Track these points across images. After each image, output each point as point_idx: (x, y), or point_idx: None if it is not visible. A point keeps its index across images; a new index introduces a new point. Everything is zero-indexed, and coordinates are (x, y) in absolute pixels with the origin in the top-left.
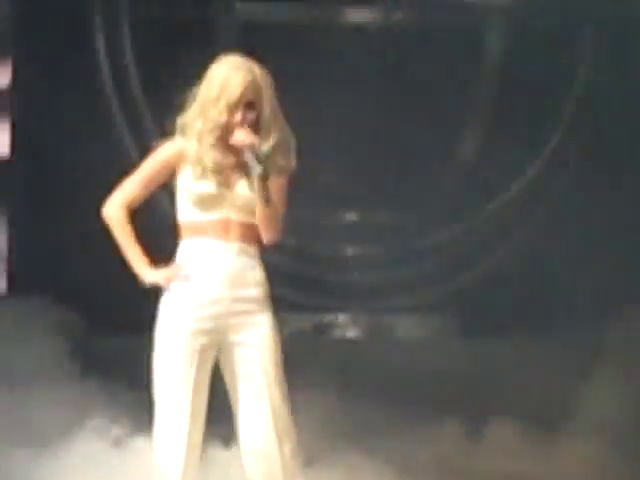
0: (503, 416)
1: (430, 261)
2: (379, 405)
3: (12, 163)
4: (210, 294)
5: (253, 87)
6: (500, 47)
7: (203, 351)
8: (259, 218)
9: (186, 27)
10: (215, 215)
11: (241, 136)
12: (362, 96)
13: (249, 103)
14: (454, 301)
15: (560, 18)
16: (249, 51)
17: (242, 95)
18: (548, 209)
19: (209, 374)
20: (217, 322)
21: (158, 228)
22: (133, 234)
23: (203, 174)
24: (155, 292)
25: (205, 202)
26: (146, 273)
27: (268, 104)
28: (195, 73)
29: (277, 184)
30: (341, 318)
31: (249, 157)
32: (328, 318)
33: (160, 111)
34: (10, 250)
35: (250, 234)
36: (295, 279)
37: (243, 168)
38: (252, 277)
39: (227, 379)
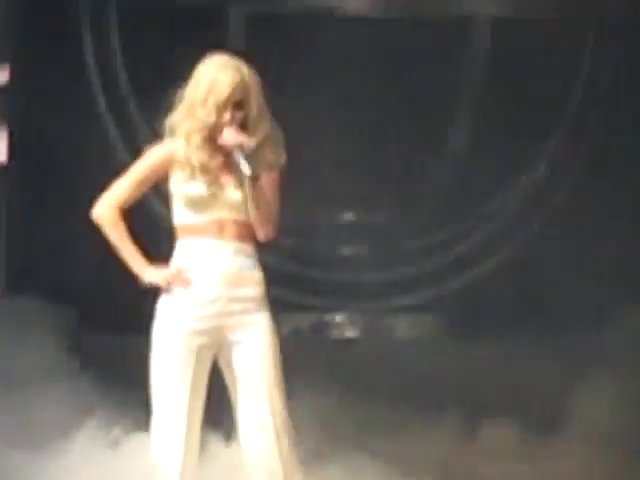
0: (500, 417)
1: (427, 261)
2: (377, 404)
3: (9, 169)
4: (207, 294)
5: (241, 86)
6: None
7: (200, 350)
8: (252, 217)
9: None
10: (209, 216)
11: (230, 136)
12: (360, 95)
13: (237, 102)
14: (451, 301)
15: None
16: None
17: (231, 95)
18: (546, 209)
19: (207, 373)
20: (215, 322)
21: (151, 232)
22: (127, 233)
23: (192, 175)
24: (153, 292)
25: (197, 204)
26: (145, 272)
27: (255, 103)
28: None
29: (268, 179)
30: (338, 318)
31: (238, 157)
32: (325, 318)
33: (153, 115)
34: (7, 250)
35: (246, 232)
36: (292, 279)
37: (233, 167)
38: (250, 276)
39: (227, 378)
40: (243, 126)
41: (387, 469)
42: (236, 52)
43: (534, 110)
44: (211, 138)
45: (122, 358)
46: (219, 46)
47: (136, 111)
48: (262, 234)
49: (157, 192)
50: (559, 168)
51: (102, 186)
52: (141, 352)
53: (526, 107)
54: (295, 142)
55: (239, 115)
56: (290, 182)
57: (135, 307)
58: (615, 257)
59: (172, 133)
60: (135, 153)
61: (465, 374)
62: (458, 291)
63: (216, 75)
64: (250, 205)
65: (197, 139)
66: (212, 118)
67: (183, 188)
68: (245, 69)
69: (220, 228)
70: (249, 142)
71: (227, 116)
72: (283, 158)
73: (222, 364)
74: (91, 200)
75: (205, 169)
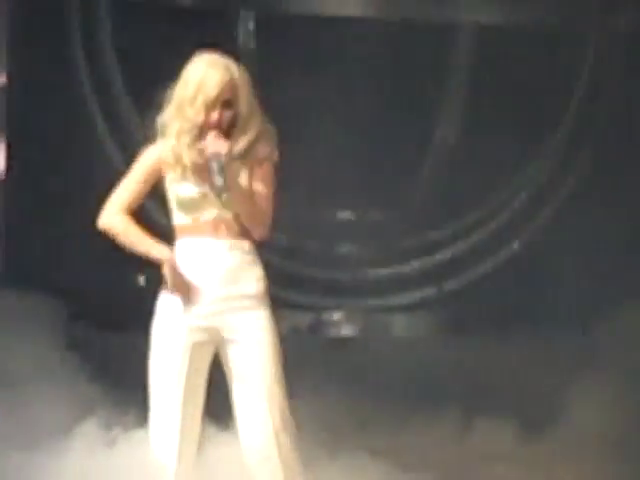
0: (498, 416)
1: (425, 260)
2: (375, 403)
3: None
4: (204, 292)
5: (230, 85)
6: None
7: (198, 347)
8: (243, 218)
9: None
10: (203, 216)
11: (210, 144)
12: (358, 94)
13: (226, 101)
14: (449, 300)
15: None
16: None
17: (219, 94)
18: (545, 210)
19: (206, 369)
20: (212, 319)
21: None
22: (138, 229)
23: (183, 175)
24: (151, 290)
25: (190, 205)
26: (165, 251)
27: (245, 101)
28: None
29: (260, 174)
30: (336, 316)
31: (212, 167)
32: (323, 316)
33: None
34: (4, 246)
35: (242, 229)
36: (289, 277)
37: (209, 175)
38: (247, 273)
39: (227, 375)
40: (233, 125)
41: (385, 467)
42: (245, 52)
43: (533, 110)
44: (201, 137)
45: (121, 356)
46: (228, 46)
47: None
48: (255, 234)
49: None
50: (556, 169)
51: (96, 185)
52: (140, 350)
53: (524, 106)
54: (294, 142)
55: (228, 114)
56: (287, 181)
57: (134, 305)
58: (614, 257)
59: (162, 133)
60: (130, 155)
61: (463, 373)
62: (455, 290)
63: (205, 74)
64: (238, 207)
65: (187, 139)
66: (200, 117)
67: (175, 189)
68: (234, 67)
69: (215, 227)
70: (225, 151)
71: (215, 115)
72: (275, 155)
73: (222, 360)
74: (87, 200)
75: (196, 168)
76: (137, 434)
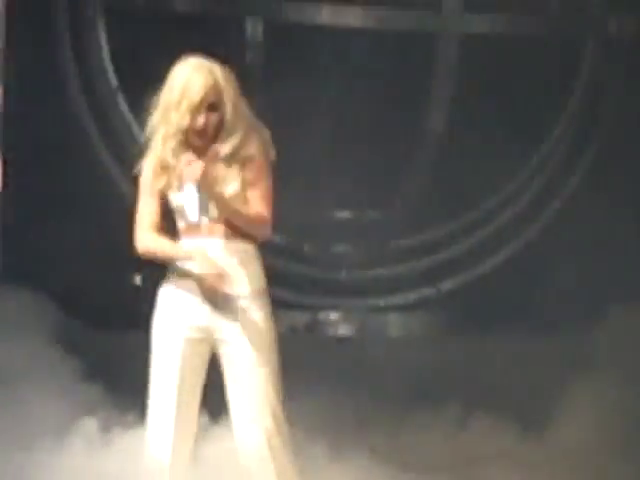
0: (496, 415)
1: (422, 259)
2: (372, 402)
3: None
4: (197, 292)
5: (214, 89)
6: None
7: (194, 346)
8: (238, 223)
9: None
10: (198, 220)
11: (185, 170)
12: (356, 95)
13: (211, 105)
14: (446, 299)
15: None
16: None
17: (203, 98)
18: (544, 210)
19: (203, 368)
20: (207, 319)
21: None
22: (167, 240)
23: (170, 181)
24: (150, 289)
25: (183, 210)
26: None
27: (230, 104)
28: None
29: (251, 175)
30: (333, 316)
31: (190, 189)
32: (320, 316)
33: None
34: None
35: (237, 229)
36: (286, 277)
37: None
38: (243, 273)
39: (224, 374)
40: (220, 127)
41: (383, 467)
42: (253, 62)
43: (533, 109)
44: (187, 141)
45: (119, 355)
46: (236, 55)
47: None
48: (257, 235)
49: None
50: (555, 169)
51: (95, 185)
52: (138, 349)
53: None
54: (295, 142)
55: (214, 117)
56: (284, 180)
57: (132, 304)
58: (614, 257)
59: (150, 140)
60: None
61: (461, 373)
62: (453, 290)
63: (189, 78)
64: (226, 216)
65: (172, 143)
66: (186, 122)
67: (172, 197)
68: (219, 71)
69: (210, 228)
70: (199, 175)
71: (201, 119)
72: (270, 154)
73: (219, 360)
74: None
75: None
76: (135, 434)
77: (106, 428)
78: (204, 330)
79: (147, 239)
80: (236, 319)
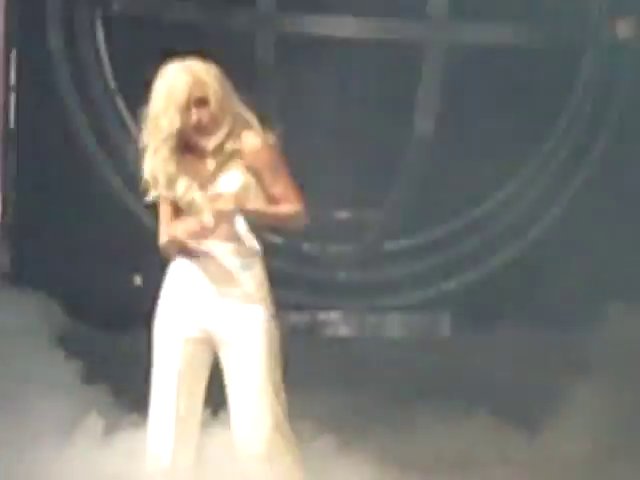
0: (495, 414)
1: (422, 260)
2: (373, 402)
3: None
4: (196, 293)
5: (198, 85)
6: None
7: (194, 347)
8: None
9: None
10: (197, 220)
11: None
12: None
13: (199, 100)
14: (447, 300)
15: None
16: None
17: (189, 95)
18: (545, 211)
19: (204, 369)
20: (207, 320)
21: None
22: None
23: (163, 189)
24: (151, 290)
25: (184, 208)
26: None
27: (214, 97)
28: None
29: (264, 168)
30: (332, 317)
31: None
32: (320, 316)
33: None
34: (3, 244)
35: (233, 230)
36: (285, 278)
37: (214, 170)
38: (239, 276)
39: (224, 376)
40: (217, 122)
41: (384, 466)
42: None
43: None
44: (181, 145)
45: (120, 356)
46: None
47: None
48: (294, 224)
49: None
50: (553, 168)
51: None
52: (139, 349)
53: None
54: (295, 142)
55: (205, 112)
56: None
57: (134, 304)
58: (614, 257)
59: (144, 155)
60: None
61: (461, 373)
62: (453, 290)
63: (171, 82)
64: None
65: (164, 152)
66: (176, 124)
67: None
68: (199, 66)
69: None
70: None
71: (193, 117)
72: (269, 138)
73: (220, 360)
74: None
75: (171, 181)
76: (138, 434)
77: (109, 429)
78: (206, 331)
79: (165, 231)
80: (238, 320)
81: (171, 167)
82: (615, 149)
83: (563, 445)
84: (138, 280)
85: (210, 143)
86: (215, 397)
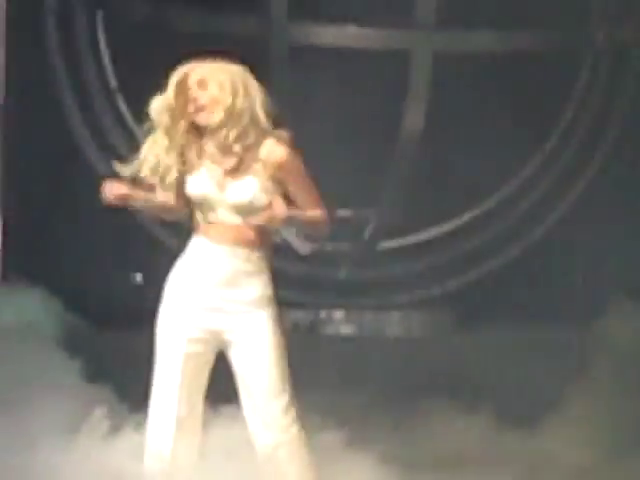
0: (497, 414)
1: (423, 258)
2: (374, 401)
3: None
4: (202, 294)
5: (205, 69)
6: None
7: (196, 346)
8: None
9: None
10: (210, 217)
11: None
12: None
13: (201, 82)
14: (449, 298)
15: None
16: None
17: (187, 72)
18: (546, 211)
19: (205, 367)
20: (212, 321)
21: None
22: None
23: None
24: (150, 288)
25: (200, 204)
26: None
27: (221, 86)
28: None
29: (290, 178)
30: (335, 315)
31: (292, 239)
32: (322, 315)
33: None
34: (3, 243)
35: (245, 237)
36: (287, 276)
37: (238, 170)
38: (246, 279)
39: (235, 376)
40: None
41: (384, 465)
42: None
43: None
44: (197, 141)
45: (121, 355)
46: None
47: None
48: (318, 232)
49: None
50: (552, 168)
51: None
52: (139, 349)
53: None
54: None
55: (204, 94)
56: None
57: (134, 303)
58: (615, 256)
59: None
60: None
61: (462, 371)
62: (455, 289)
63: (175, 77)
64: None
65: (165, 142)
66: (171, 97)
67: (190, 187)
68: (221, 63)
69: (219, 231)
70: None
71: (192, 93)
72: (294, 154)
73: (230, 362)
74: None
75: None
76: (140, 433)
77: (110, 427)
78: (210, 331)
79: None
80: (243, 320)
81: (170, 158)
82: (618, 151)
83: (563, 444)
84: (138, 278)
85: (214, 127)
86: (215, 396)
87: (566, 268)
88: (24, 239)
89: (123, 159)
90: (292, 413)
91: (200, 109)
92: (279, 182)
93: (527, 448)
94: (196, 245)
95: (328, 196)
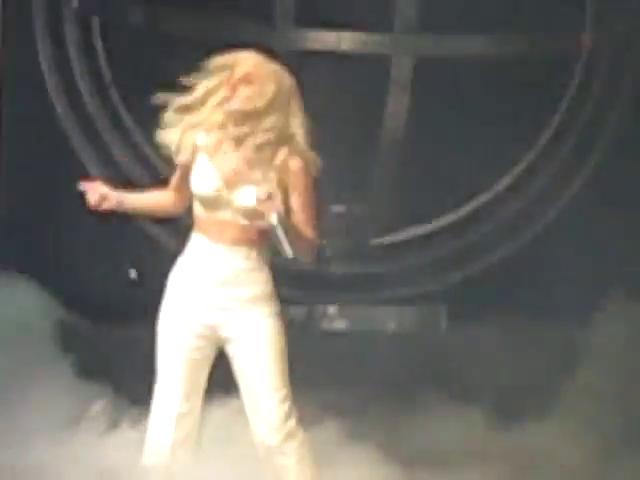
0: (495, 411)
1: (418, 254)
2: (369, 396)
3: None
4: (203, 291)
5: (248, 62)
6: None
7: (197, 341)
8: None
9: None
10: (213, 215)
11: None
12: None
13: (246, 76)
14: (444, 293)
15: None
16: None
17: (229, 62)
18: (545, 208)
19: (206, 362)
20: (211, 317)
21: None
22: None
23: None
24: (146, 284)
25: (204, 202)
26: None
27: (262, 85)
28: None
29: (299, 190)
30: (329, 310)
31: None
32: (316, 310)
33: None
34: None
35: (246, 237)
36: (282, 272)
37: (250, 173)
38: (246, 277)
39: (234, 373)
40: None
41: (380, 461)
42: None
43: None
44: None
45: (120, 351)
46: None
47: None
48: (305, 256)
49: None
50: (547, 165)
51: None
52: (139, 345)
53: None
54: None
55: (244, 88)
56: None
57: (132, 299)
58: (615, 256)
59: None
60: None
61: (459, 367)
62: (451, 284)
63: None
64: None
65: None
66: (212, 82)
67: (195, 183)
68: (270, 61)
69: (220, 229)
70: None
71: (224, 76)
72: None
73: (229, 359)
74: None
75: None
76: (138, 428)
77: (107, 423)
78: (211, 327)
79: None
80: (242, 318)
81: (191, 137)
82: (615, 149)
83: (562, 442)
84: (133, 274)
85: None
86: (215, 394)
87: (564, 266)
88: (18, 235)
89: (119, 158)
90: (291, 409)
91: (232, 99)
92: (285, 192)
93: (523, 445)
94: (196, 243)
95: (322, 192)
